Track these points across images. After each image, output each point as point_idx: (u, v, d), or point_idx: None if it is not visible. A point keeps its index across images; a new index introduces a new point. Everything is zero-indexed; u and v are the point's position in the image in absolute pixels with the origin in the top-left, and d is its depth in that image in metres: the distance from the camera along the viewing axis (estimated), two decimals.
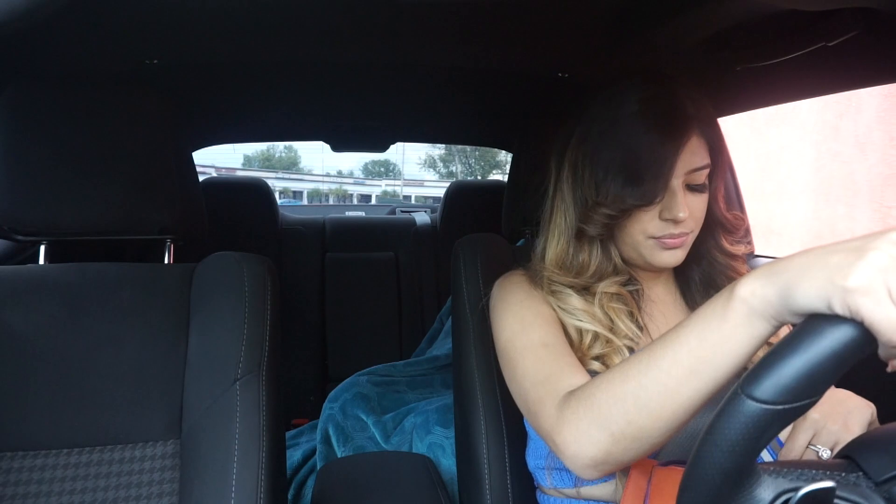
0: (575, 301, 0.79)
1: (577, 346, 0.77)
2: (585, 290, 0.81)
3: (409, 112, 1.82)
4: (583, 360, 0.75)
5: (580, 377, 0.69)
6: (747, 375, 0.36)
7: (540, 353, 0.73)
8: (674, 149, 0.73)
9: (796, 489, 0.36)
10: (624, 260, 0.84)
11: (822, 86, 1.12)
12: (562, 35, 1.04)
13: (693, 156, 0.75)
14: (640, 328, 0.80)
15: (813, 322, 0.34)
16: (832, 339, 0.32)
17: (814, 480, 0.37)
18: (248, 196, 2.25)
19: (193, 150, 1.88)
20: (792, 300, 0.42)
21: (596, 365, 0.75)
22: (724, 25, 0.91)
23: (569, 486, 0.80)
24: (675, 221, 0.75)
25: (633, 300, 0.81)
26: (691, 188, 0.77)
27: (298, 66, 1.24)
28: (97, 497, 0.81)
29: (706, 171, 0.78)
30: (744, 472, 0.36)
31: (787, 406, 0.33)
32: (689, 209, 0.76)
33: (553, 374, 0.70)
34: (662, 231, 0.77)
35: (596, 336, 0.77)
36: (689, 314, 0.84)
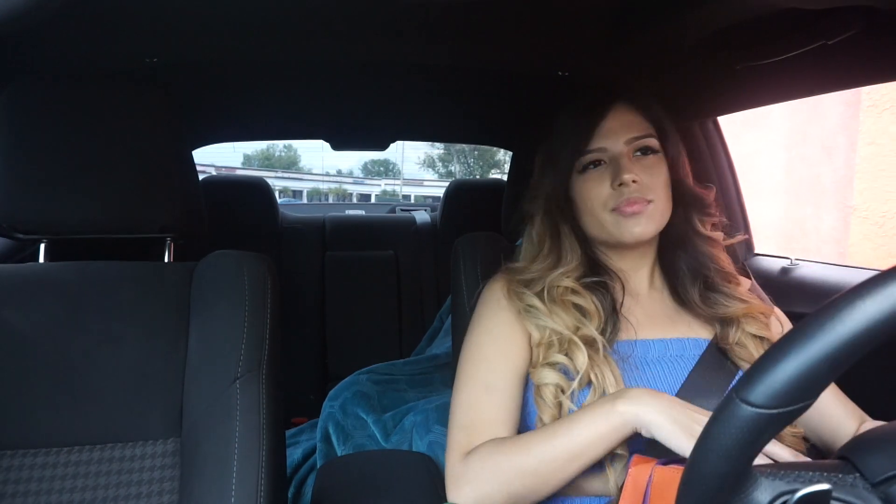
0: (535, 301, 0.82)
1: (539, 341, 0.80)
2: (549, 295, 0.83)
3: (410, 111, 1.82)
4: (547, 353, 0.79)
5: (505, 430, 0.78)
6: (741, 380, 0.36)
7: (479, 395, 0.80)
8: (602, 111, 0.83)
9: (793, 491, 0.36)
10: (595, 242, 0.87)
11: (823, 84, 1.12)
12: (562, 34, 1.04)
13: (630, 127, 0.83)
14: (607, 324, 0.81)
15: (804, 326, 0.34)
16: (825, 343, 0.32)
17: (810, 482, 0.37)
18: (248, 194, 2.25)
19: (193, 149, 1.87)
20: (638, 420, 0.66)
21: (561, 357, 0.78)
22: (725, 24, 0.91)
23: None
24: (625, 185, 0.79)
25: (589, 293, 0.82)
26: (641, 152, 0.83)
27: (298, 64, 1.23)
28: (97, 495, 0.81)
29: (651, 139, 0.83)
30: (740, 475, 0.36)
31: (781, 410, 0.33)
32: (640, 175, 0.80)
33: (478, 423, 0.78)
34: (618, 199, 0.80)
35: (555, 331, 0.80)
36: (674, 307, 0.86)
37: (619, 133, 0.82)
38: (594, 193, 0.82)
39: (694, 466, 0.37)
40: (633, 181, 0.79)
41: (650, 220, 0.80)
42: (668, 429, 0.64)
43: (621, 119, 0.82)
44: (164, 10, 0.89)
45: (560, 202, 0.85)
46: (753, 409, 0.34)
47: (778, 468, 0.38)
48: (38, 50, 1.00)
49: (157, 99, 0.95)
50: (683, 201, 0.86)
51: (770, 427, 0.34)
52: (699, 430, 0.58)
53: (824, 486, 0.36)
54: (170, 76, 1.24)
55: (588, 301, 0.80)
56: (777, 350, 0.34)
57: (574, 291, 0.81)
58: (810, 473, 0.38)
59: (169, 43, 1.05)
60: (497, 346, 0.82)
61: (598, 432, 0.68)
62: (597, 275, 0.84)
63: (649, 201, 0.80)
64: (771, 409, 0.33)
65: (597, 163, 0.83)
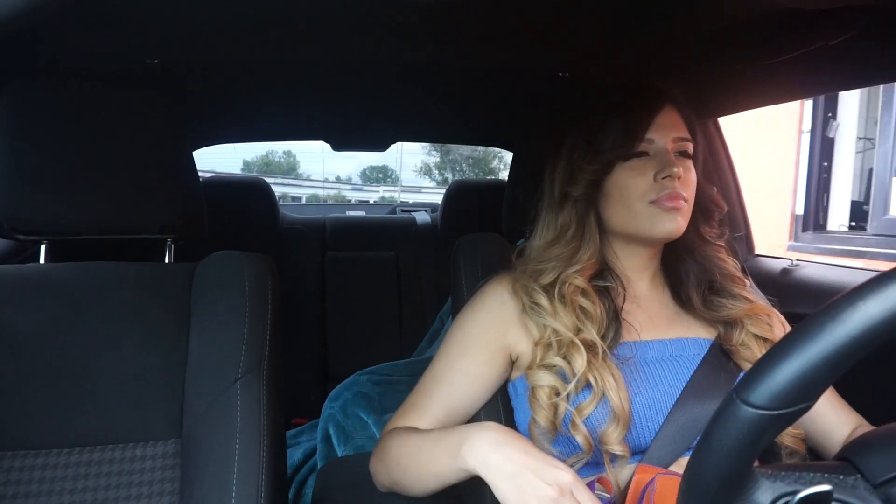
0: (542, 300, 0.81)
1: (538, 341, 0.80)
2: (559, 291, 0.81)
3: (410, 111, 1.81)
4: (545, 354, 0.78)
5: (425, 422, 0.82)
6: (742, 380, 0.36)
7: (428, 382, 0.84)
8: (657, 105, 0.82)
9: (794, 492, 0.36)
10: (614, 239, 0.86)
11: (822, 84, 1.13)
12: (562, 34, 1.04)
13: (675, 126, 0.83)
14: (608, 329, 0.80)
15: (805, 327, 0.34)
16: (825, 344, 0.32)
17: (811, 483, 0.37)
18: (249, 195, 2.25)
19: (194, 150, 1.88)
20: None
21: (558, 360, 0.77)
22: (724, 24, 0.91)
23: None
24: (671, 178, 0.78)
25: (596, 297, 0.81)
26: (681, 154, 0.83)
27: (299, 65, 1.23)
28: (98, 496, 0.81)
29: (689, 144, 0.83)
30: (741, 476, 0.36)
31: (781, 411, 0.33)
32: (682, 174, 0.80)
33: (413, 406, 0.83)
34: (659, 191, 0.79)
35: (555, 332, 0.79)
36: (675, 308, 0.86)
37: (667, 130, 0.82)
38: (634, 183, 0.81)
39: (695, 467, 0.37)
40: (679, 177, 0.79)
41: (685, 218, 0.81)
42: (503, 489, 0.66)
43: (669, 117, 0.83)
44: (164, 10, 0.89)
45: (595, 190, 0.85)
46: (754, 410, 0.34)
47: (779, 469, 0.38)
48: (38, 50, 1.00)
49: (157, 99, 0.95)
50: (700, 208, 0.87)
51: (771, 428, 0.34)
52: (533, 501, 0.63)
53: (825, 488, 0.36)
54: (170, 77, 1.24)
55: (594, 305, 0.80)
56: (777, 351, 0.34)
57: (584, 293, 0.80)
58: (811, 474, 0.38)
59: (169, 44, 1.05)
60: (468, 347, 0.83)
61: (443, 465, 0.72)
62: (603, 279, 0.83)
63: (685, 200, 0.80)
64: (772, 409, 0.33)
65: (640, 154, 0.82)
